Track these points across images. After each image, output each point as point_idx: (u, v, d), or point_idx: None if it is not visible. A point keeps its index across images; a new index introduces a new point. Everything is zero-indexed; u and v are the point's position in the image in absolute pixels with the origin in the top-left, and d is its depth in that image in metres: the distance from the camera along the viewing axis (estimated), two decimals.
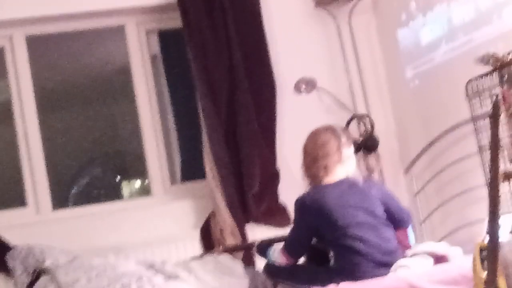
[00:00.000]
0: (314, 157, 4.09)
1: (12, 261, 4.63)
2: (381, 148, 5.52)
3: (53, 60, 6.14)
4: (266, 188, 5.42)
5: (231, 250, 4.85)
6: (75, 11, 5.44)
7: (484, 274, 3.08)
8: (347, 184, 4.06)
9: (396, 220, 4.11)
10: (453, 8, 5.04)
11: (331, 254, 4.01)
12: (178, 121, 5.94)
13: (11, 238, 4.90)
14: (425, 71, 5.41)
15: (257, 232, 5.28)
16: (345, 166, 4.11)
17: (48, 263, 4.49)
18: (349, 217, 3.95)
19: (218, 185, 5.33)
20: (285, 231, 4.72)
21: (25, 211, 5.35)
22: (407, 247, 4.14)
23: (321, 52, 5.77)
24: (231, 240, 5.25)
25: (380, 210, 4.05)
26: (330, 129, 4.16)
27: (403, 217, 4.17)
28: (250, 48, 5.49)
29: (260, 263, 4.69)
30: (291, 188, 5.09)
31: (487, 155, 3.30)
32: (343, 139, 4.12)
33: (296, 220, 4.14)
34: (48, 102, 6.00)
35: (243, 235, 5.28)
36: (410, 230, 4.30)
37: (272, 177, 5.45)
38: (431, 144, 5.29)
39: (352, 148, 4.20)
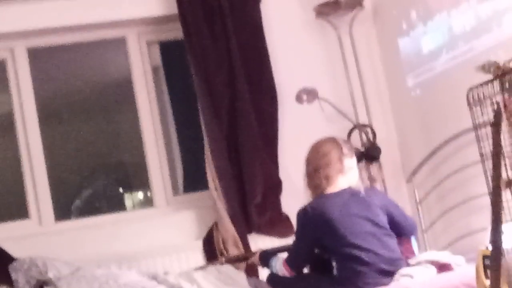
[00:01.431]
0: (315, 167, 4.10)
1: (15, 273, 4.64)
2: (383, 158, 5.53)
3: (54, 72, 6.14)
4: (268, 198, 5.42)
5: (233, 261, 4.84)
6: (76, 23, 5.46)
7: (487, 282, 3.09)
8: (349, 194, 4.06)
9: (401, 229, 4.12)
10: (453, 17, 5.05)
11: (334, 263, 4.01)
12: (180, 132, 5.95)
13: (13, 250, 4.90)
14: (426, 80, 5.42)
15: (259, 243, 5.28)
16: (347, 176, 4.11)
17: (50, 275, 4.50)
18: (351, 226, 3.96)
19: (220, 195, 5.33)
20: (288, 241, 4.73)
21: (28, 223, 5.35)
22: (411, 252, 4.14)
23: (322, 62, 5.78)
24: (233, 250, 5.25)
25: (382, 219, 4.05)
26: (331, 140, 4.18)
27: (408, 225, 4.18)
28: (251, 59, 5.50)
29: (263, 273, 4.69)
30: (293, 198, 5.09)
31: (489, 163, 3.30)
32: (345, 149, 4.13)
33: (298, 231, 4.14)
34: (50, 114, 6.00)
35: (245, 245, 5.28)
36: (413, 239, 4.29)
37: (274, 187, 5.45)
38: (433, 153, 5.29)
39: (354, 159, 4.20)
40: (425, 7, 5.33)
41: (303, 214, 4.07)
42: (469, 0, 4.87)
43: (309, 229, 4.04)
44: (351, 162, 4.16)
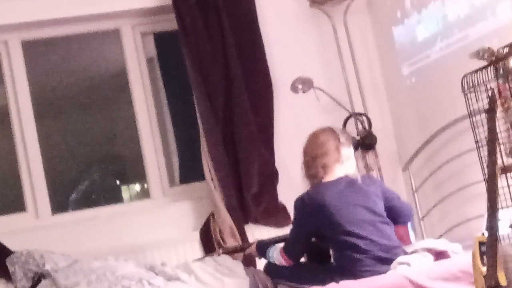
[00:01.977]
0: (313, 156, 4.12)
1: (12, 266, 4.65)
2: (379, 146, 5.53)
3: (49, 65, 6.14)
4: (265, 188, 5.42)
5: (231, 251, 4.85)
6: (70, 15, 5.44)
7: (484, 269, 3.09)
8: (346, 182, 4.07)
9: (397, 215, 4.14)
10: (448, 5, 5.04)
11: (331, 252, 4.03)
12: (176, 123, 5.95)
13: (10, 243, 4.90)
14: (421, 68, 5.42)
15: (256, 233, 5.29)
16: (344, 166, 4.13)
17: (48, 267, 4.50)
18: (348, 214, 3.97)
19: (216, 186, 5.33)
20: (285, 231, 4.73)
21: (25, 216, 5.35)
22: (408, 239, 4.15)
23: (317, 51, 5.78)
24: (230, 241, 5.25)
25: (379, 207, 4.06)
26: (328, 130, 4.19)
27: (405, 212, 4.20)
28: (245, 49, 5.50)
29: (260, 263, 4.69)
30: (289, 187, 5.10)
31: (485, 150, 3.30)
32: (342, 139, 4.15)
33: (295, 220, 4.16)
34: (45, 107, 6.00)
35: (243, 236, 5.28)
36: (410, 228, 4.30)
37: (270, 177, 5.45)
38: (428, 141, 5.29)
39: (351, 149, 4.21)
40: None
41: (300, 202, 4.08)
42: None
43: (306, 217, 4.05)
44: (348, 151, 4.17)
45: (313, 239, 4.17)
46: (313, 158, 4.11)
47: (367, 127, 5.53)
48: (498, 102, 3.33)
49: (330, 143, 4.12)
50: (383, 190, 4.18)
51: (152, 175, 5.61)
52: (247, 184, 5.38)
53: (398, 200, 4.21)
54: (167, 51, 5.89)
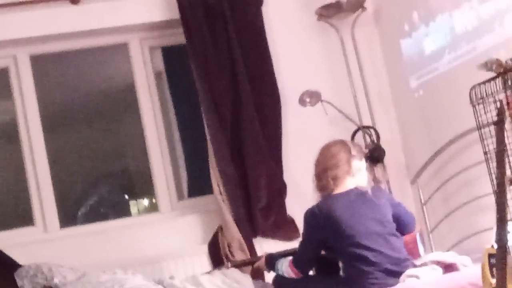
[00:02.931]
0: (324, 168, 4.12)
1: (21, 280, 4.64)
2: (387, 159, 5.52)
3: (57, 79, 6.15)
4: (273, 201, 5.42)
5: (239, 265, 4.84)
6: (78, 29, 5.46)
7: (493, 281, 3.08)
8: (356, 194, 4.07)
9: (404, 225, 4.13)
10: (455, 17, 5.04)
11: (341, 264, 4.02)
12: (184, 137, 5.96)
13: (19, 257, 4.89)
14: (429, 80, 5.42)
15: (265, 246, 5.28)
16: (355, 178, 4.12)
17: (56, 281, 4.50)
18: (358, 226, 3.96)
19: (225, 199, 5.33)
20: (293, 244, 4.72)
21: (33, 230, 5.36)
22: (417, 252, 4.13)
23: (325, 64, 5.79)
24: (239, 254, 5.24)
25: (389, 220, 4.05)
26: (340, 142, 4.21)
27: (410, 221, 4.20)
28: (253, 62, 5.51)
29: (269, 277, 4.68)
30: (298, 200, 5.10)
31: (493, 161, 3.30)
32: (354, 151, 4.16)
33: (305, 232, 4.15)
34: (53, 121, 6.00)
35: (251, 249, 5.27)
36: (419, 240, 4.29)
37: (279, 190, 5.44)
38: (437, 153, 5.28)
39: (363, 162, 4.21)
40: (427, 8, 5.33)
41: (310, 214, 4.08)
42: (471, 0, 4.87)
43: (316, 229, 4.04)
44: (359, 164, 4.17)
45: (322, 251, 4.16)
46: (324, 170, 4.12)
47: (375, 140, 5.52)
48: (507, 113, 3.33)
49: (341, 156, 4.12)
50: (391, 202, 4.18)
51: (161, 189, 5.61)
52: (255, 197, 5.37)
53: (404, 211, 4.21)
54: (175, 65, 5.90)
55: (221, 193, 5.34)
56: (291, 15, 5.76)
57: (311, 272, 4.25)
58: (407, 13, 5.54)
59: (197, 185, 5.87)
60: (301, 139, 5.43)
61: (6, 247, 4.96)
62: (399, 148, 5.81)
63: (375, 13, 5.88)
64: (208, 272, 4.77)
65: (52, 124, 5.82)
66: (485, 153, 3.64)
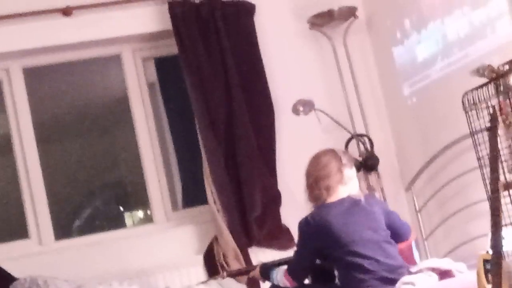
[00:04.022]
0: (315, 178, 4.11)
1: None
2: (381, 167, 5.52)
3: (50, 91, 6.16)
4: (268, 210, 5.42)
5: (235, 275, 4.83)
6: (70, 41, 5.46)
7: (489, 287, 3.08)
8: (350, 202, 4.06)
9: (398, 233, 4.13)
10: (447, 24, 5.06)
11: (336, 272, 4.01)
12: (178, 148, 5.96)
13: (14, 270, 4.88)
14: (422, 88, 5.43)
15: (260, 255, 5.27)
16: (347, 187, 4.12)
17: None
18: (352, 234, 3.95)
19: (219, 209, 5.33)
20: (288, 253, 4.72)
21: (28, 242, 5.34)
22: (413, 260, 4.13)
23: (318, 73, 5.80)
24: (234, 264, 5.24)
25: (383, 227, 4.05)
26: (330, 152, 4.19)
27: (405, 230, 4.20)
28: (246, 72, 5.52)
29: (264, 286, 4.67)
30: (292, 209, 5.09)
31: (487, 167, 3.31)
32: (344, 160, 4.14)
33: (299, 241, 4.14)
34: (47, 133, 6.00)
35: (246, 259, 5.27)
36: (414, 247, 4.29)
37: (273, 200, 5.44)
38: (431, 160, 5.29)
39: (354, 170, 4.20)
40: (419, 15, 5.35)
41: (304, 223, 4.07)
42: (463, 7, 4.89)
43: (310, 238, 4.04)
44: (350, 172, 4.16)
45: (317, 260, 4.16)
46: (316, 180, 4.10)
47: (369, 148, 5.53)
48: (500, 119, 3.33)
49: (333, 165, 4.11)
50: (385, 210, 4.18)
51: (155, 200, 5.60)
52: (250, 207, 5.37)
53: (399, 220, 4.20)
54: (168, 76, 5.91)
55: (215, 203, 5.34)
56: (284, 25, 5.78)
57: (306, 281, 4.24)
58: (399, 20, 5.55)
59: (192, 196, 5.87)
60: (295, 148, 5.43)
61: (1, 260, 4.95)
62: (393, 155, 5.81)
63: (367, 21, 5.90)
64: (204, 282, 4.76)
65: (45, 136, 5.82)
66: (479, 159, 3.64)
